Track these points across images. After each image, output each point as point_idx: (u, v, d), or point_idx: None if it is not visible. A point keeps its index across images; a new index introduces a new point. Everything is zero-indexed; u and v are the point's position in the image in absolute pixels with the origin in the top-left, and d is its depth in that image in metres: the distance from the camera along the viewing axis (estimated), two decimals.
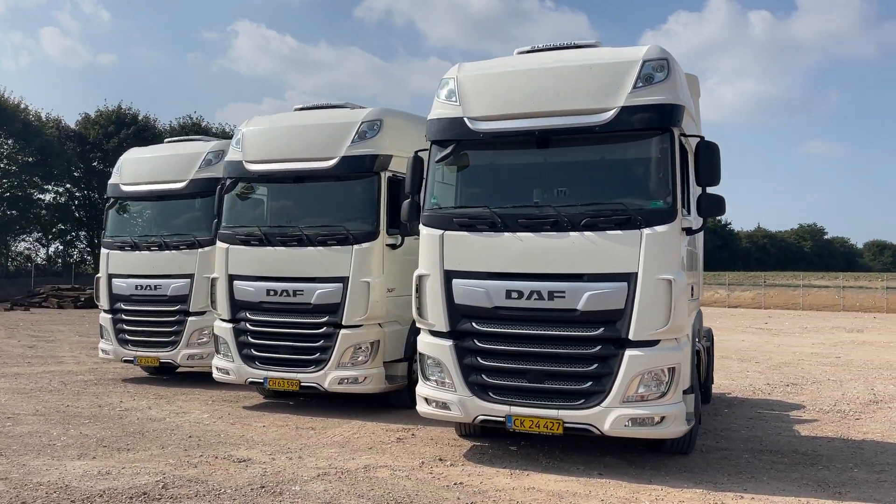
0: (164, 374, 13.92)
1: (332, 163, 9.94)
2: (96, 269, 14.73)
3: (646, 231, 7.03)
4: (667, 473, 7.29)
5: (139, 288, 12.83)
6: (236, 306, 10.43)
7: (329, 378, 9.77)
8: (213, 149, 12.75)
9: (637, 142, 7.41)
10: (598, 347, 7.16)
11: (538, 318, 7.36)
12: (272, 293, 10.15)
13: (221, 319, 10.60)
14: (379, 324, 9.89)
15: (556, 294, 7.27)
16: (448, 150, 7.83)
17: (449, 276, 7.70)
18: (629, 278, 7.05)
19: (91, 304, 36.72)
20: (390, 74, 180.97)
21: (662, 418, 7.00)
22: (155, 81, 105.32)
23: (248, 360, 10.30)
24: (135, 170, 13.24)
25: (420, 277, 7.84)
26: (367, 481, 6.88)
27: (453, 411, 7.64)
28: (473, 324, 7.61)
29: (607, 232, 7.16)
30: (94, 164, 52.04)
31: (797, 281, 57.74)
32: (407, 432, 9.04)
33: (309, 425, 9.40)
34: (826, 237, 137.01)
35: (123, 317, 13.01)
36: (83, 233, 54.27)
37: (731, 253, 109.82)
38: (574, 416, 7.17)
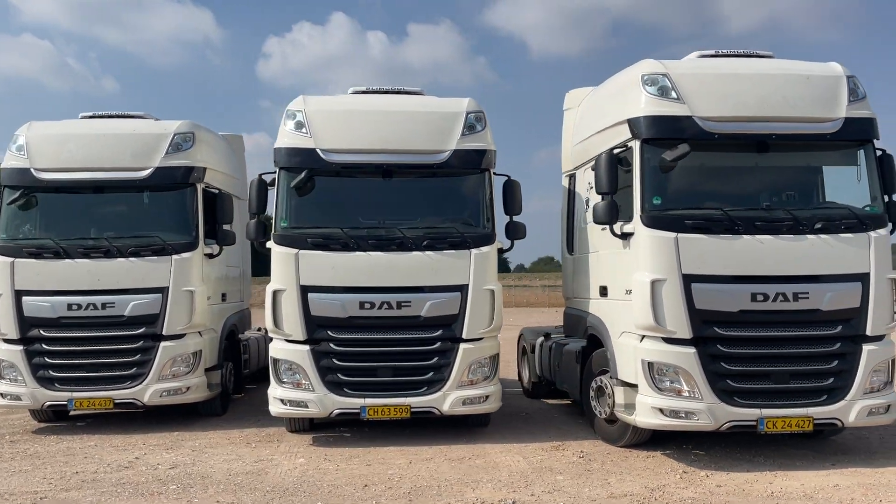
0: (63, 421, 10.58)
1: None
2: None
3: (873, 234, 7.62)
4: (876, 456, 7.96)
5: (74, 308, 9.66)
6: (313, 324, 8.57)
7: (450, 400, 8.57)
8: (179, 130, 10.14)
9: (850, 150, 7.94)
10: (839, 345, 7.55)
11: (784, 320, 7.49)
12: (369, 306, 8.57)
13: (290, 341, 8.61)
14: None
15: (800, 296, 7.48)
16: (680, 151, 7.51)
17: (688, 279, 7.43)
18: (863, 278, 7.57)
19: None
20: None
21: (889, 406, 7.66)
22: None
23: (335, 387, 8.54)
24: (58, 151, 9.92)
25: (654, 283, 7.41)
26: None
27: (701, 420, 7.38)
28: (716, 329, 7.45)
29: (839, 235, 7.58)
30: None
31: None
32: (565, 450, 8.37)
33: (448, 455, 8.14)
34: None
35: (46, 347, 9.69)
36: None
37: None
38: (822, 411, 7.46)
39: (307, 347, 8.56)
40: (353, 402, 8.52)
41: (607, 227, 8.03)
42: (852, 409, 7.48)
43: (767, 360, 7.50)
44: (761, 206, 7.73)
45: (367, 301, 8.56)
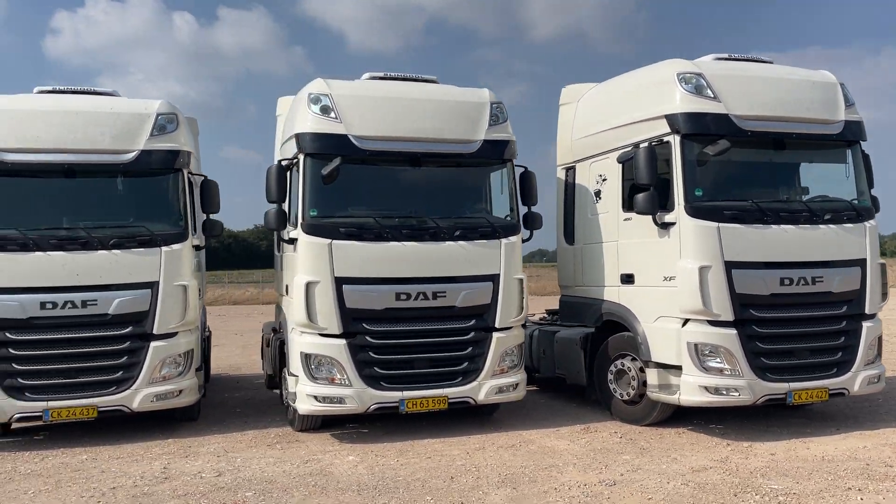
0: (13, 436, 9.30)
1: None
2: None
3: (867, 224, 8.62)
4: (861, 421, 8.98)
5: (48, 307, 8.54)
6: (348, 317, 8.26)
7: (485, 389, 8.60)
8: (161, 110, 9.25)
9: (843, 150, 8.85)
10: (845, 323, 8.48)
11: (806, 301, 8.32)
12: (405, 297, 8.39)
13: (324, 335, 8.23)
14: (524, 325, 9.15)
15: (817, 279, 8.33)
16: (721, 146, 8.07)
17: (729, 266, 8.01)
18: (861, 263, 8.55)
19: None
20: None
21: (879, 377, 8.73)
22: None
23: (372, 381, 8.30)
24: (27, 129, 8.70)
25: (701, 270, 7.93)
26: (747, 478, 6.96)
27: (742, 395, 8.00)
28: (752, 311, 8.11)
29: (843, 225, 8.52)
30: None
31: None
32: (598, 432, 8.70)
33: (496, 443, 8.18)
34: None
35: (13, 352, 8.50)
36: None
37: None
38: (835, 382, 8.39)
39: (343, 341, 8.23)
40: (391, 396, 8.31)
41: (633, 216, 8.52)
42: (856, 380, 8.45)
43: (793, 338, 8.29)
44: (782, 198, 8.52)
45: (403, 292, 8.39)
